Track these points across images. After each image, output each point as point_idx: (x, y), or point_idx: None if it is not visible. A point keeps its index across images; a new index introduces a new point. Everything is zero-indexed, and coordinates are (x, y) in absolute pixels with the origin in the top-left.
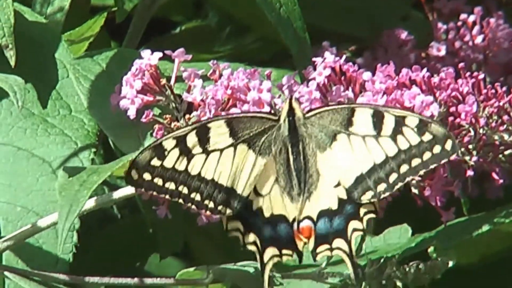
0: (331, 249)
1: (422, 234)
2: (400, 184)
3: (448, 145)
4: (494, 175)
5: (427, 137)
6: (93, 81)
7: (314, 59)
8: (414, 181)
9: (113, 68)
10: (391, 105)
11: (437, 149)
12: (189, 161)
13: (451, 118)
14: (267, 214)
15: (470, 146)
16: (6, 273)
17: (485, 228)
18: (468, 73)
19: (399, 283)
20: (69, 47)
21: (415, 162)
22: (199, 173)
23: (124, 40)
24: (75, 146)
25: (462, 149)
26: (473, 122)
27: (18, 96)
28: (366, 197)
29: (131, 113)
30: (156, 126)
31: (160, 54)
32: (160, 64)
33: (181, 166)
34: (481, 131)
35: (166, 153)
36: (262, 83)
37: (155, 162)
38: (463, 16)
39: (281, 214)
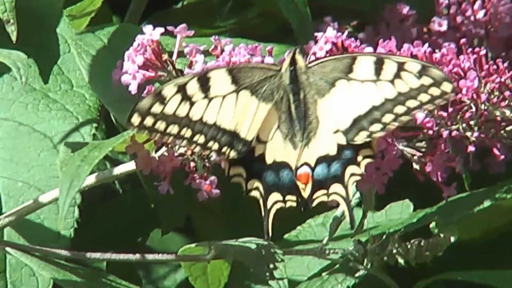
0: (328, 194)
1: (424, 209)
2: (394, 124)
3: (445, 86)
4: (496, 151)
5: (426, 80)
6: (94, 56)
7: (315, 34)
8: (415, 157)
9: (115, 43)
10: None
11: (433, 90)
12: (190, 106)
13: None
14: (269, 160)
15: (472, 122)
16: (7, 248)
17: (487, 203)
18: (469, 49)
19: (401, 260)
20: (70, 22)
21: (411, 103)
22: (201, 118)
23: (125, 15)
24: (77, 121)
25: (464, 125)
26: (474, 98)
27: (21, 72)
28: (360, 137)
29: (133, 88)
30: None
31: (162, 30)
32: (162, 39)
33: (182, 112)
34: (482, 106)
35: (167, 100)
36: (264, 59)
37: (156, 108)
38: None
39: (284, 161)
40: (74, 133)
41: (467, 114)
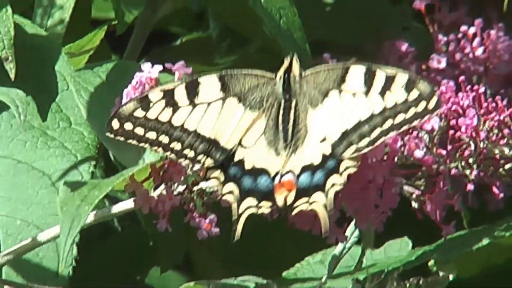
0: (310, 203)
1: (423, 247)
2: (382, 139)
3: (433, 102)
4: (495, 189)
5: (414, 94)
6: (93, 93)
7: None
8: (414, 195)
9: (114, 80)
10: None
11: (422, 105)
12: (173, 112)
13: (451, 132)
14: (248, 166)
15: (471, 160)
16: (6, 287)
17: (485, 241)
18: (468, 86)
19: None
20: (69, 60)
21: (399, 118)
22: (182, 125)
23: (124, 52)
24: (75, 159)
25: (463, 163)
26: (473, 136)
27: (20, 110)
28: (349, 152)
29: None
30: None
31: (160, 67)
32: (160, 77)
33: (164, 117)
34: (481, 144)
35: (151, 104)
36: None
37: (139, 113)
38: (463, 28)
39: (263, 167)
40: (72, 170)
41: (466, 152)
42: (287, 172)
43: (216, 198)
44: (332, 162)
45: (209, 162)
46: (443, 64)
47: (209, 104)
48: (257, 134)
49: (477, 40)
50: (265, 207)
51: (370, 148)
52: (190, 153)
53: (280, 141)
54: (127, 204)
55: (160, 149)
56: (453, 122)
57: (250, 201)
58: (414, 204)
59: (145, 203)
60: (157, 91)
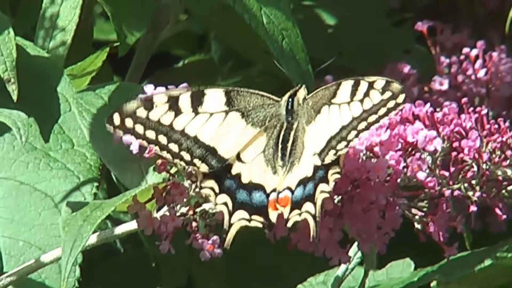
0: (301, 213)
1: (425, 268)
2: (356, 139)
3: (401, 98)
4: (497, 211)
5: (387, 95)
6: (95, 115)
7: None
8: (417, 217)
9: (116, 101)
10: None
11: (391, 103)
12: (175, 116)
13: (454, 153)
14: (245, 180)
15: (473, 182)
16: None
17: (488, 262)
18: (471, 108)
19: None
20: (71, 82)
21: (372, 118)
22: (183, 129)
23: (126, 73)
24: (78, 180)
25: (466, 184)
26: (476, 157)
27: (21, 131)
28: (329, 157)
29: (134, 148)
30: (159, 161)
31: (162, 89)
32: None
33: (166, 121)
34: (484, 166)
35: (154, 106)
36: None
37: (141, 112)
38: (465, 50)
39: (260, 183)
40: (75, 192)
41: (469, 174)
42: (284, 189)
43: (219, 219)
44: (321, 172)
45: (204, 167)
46: (445, 86)
47: (211, 114)
48: (256, 151)
49: (479, 62)
50: (257, 221)
51: (346, 149)
52: (186, 155)
53: (278, 160)
54: (130, 226)
55: (158, 148)
56: (455, 144)
57: (242, 213)
58: (417, 226)
59: (148, 225)
60: (162, 95)
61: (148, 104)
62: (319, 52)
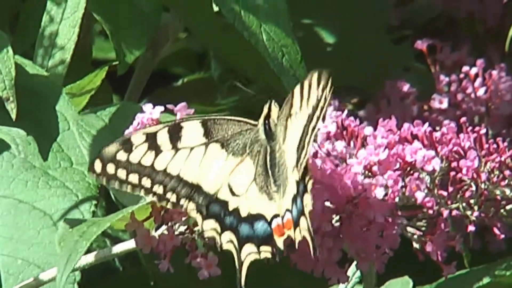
0: (300, 230)
1: (423, 286)
2: (311, 141)
3: (325, 79)
4: (496, 230)
5: (321, 86)
6: (95, 136)
7: None
8: (415, 236)
9: (115, 122)
10: None
11: (326, 92)
12: (156, 156)
13: (452, 173)
14: (244, 213)
15: (472, 201)
16: None
17: (486, 280)
18: (470, 128)
19: None
20: (70, 100)
21: (316, 114)
22: (165, 169)
23: (126, 92)
24: (76, 198)
25: (464, 204)
26: (474, 177)
27: (20, 148)
28: (301, 168)
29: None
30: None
31: (161, 108)
32: (162, 117)
33: (147, 162)
34: (482, 186)
35: (133, 147)
36: None
37: (121, 155)
38: (465, 68)
39: (259, 213)
40: (73, 210)
41: (467, 193)
42: (285, 212)
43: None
44: (302, 185)
45: (191, 206)
46: (445, 105)
47: (191, 148)
48: (247, 181)
49: (479, 80)
50: (266, 252)
51: (308, 155)
52: (172, 196)
53: (271, 185)
54: (128, 244)
55: (142, 192)
56: (454, 163)
57: (250, 247)
58: (416, 245)
59: (146, 243)
60: (139, 134)
61: (127, 146)
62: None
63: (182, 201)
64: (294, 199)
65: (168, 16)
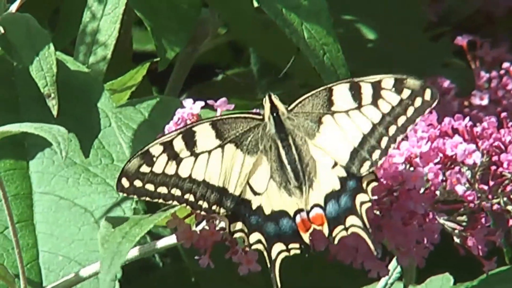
0: (346, 228)
1: (464, 283)
2: (392, 145)
3: (427, 94)
4: None
5: (406, 93)
6: (135, 130)
7: None
8: (456, 231)
9: (155, 116)
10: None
11: (418, 101)
12: (178, 164)
13: (493, 168)
14: (267, 211)
15: None
16: None
17: None
18: (510, 123)
19: None
20: (111, 96)
21: (401, 120)
22: (190, 175)
23: (165, 87)
24: (117, 195)
25: (505, 199)
26: None
27: (61, 146)
28: (365, 168)
29: None
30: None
31: (202, 103)
32: (202, 113)
33: (171, 170)
34: None
35: (154, 159)
36: None
37: (145, 168)
38: (505, 64)
39: (282, 209)
40: (115, 207)
41: (508, 188)
42: (313, 207)
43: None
44: (352, 183)
45: (222, 211)
46: (485, 101)
47: (209, 152)
48: (265, 179)
49: None
50: (295, 248)
51: (384, 157)
52: (204, 204)
53: (291, 180)
54: (169, 240)
55: (175, 202)
56: (495, 158)
57: (279, 246)
58: (456, 240)
59: (187, 237)
60: (156, 145)
61: (148, 158)
62: (359, 66)
63: (214, 207)
64: (333, 196)
65: (207, 12)
